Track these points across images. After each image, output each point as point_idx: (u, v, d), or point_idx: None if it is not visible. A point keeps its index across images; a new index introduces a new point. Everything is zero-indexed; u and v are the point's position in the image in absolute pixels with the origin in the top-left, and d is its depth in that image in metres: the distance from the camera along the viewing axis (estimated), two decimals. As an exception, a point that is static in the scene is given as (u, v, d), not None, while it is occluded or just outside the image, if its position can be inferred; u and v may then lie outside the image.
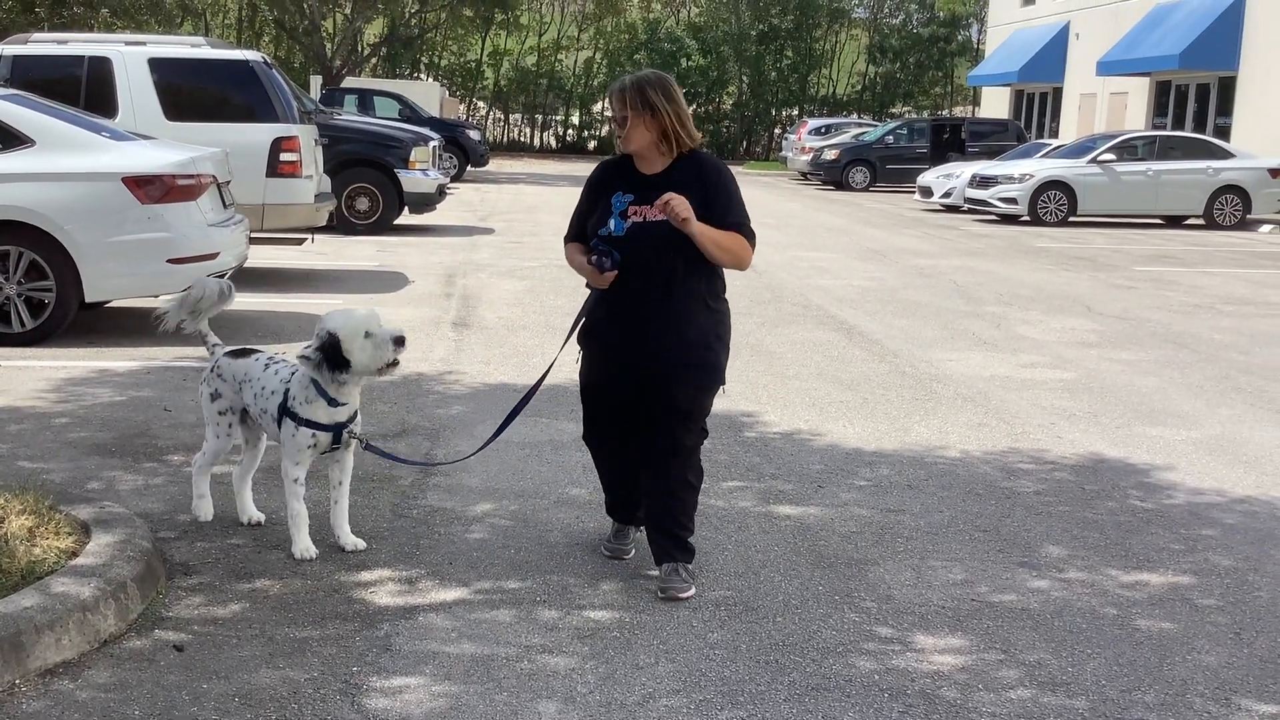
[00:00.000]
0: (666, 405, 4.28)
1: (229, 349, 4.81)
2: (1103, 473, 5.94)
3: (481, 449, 5.13)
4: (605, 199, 4.30)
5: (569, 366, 4.77)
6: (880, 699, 3.54)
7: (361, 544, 4.59)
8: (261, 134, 11.26)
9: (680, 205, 4.07)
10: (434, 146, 16.73)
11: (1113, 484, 5.75)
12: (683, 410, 4.29)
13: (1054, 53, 34.82)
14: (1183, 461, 6.17)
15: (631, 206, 4.25)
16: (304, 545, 4.46)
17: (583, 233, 4.41)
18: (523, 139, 54.13)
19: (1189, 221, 22.36)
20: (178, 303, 4.78)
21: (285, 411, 4.42)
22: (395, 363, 4.32)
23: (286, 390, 4.44)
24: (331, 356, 4.29)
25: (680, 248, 4.19)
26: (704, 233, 4.14)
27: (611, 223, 4.26)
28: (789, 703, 3.50)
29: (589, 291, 4.43)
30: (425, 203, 16.44)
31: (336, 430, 4.42)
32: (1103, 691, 3.63)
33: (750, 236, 4.33)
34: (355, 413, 4.49)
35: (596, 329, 4.38)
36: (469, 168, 29.55)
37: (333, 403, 4.39)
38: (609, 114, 4.40)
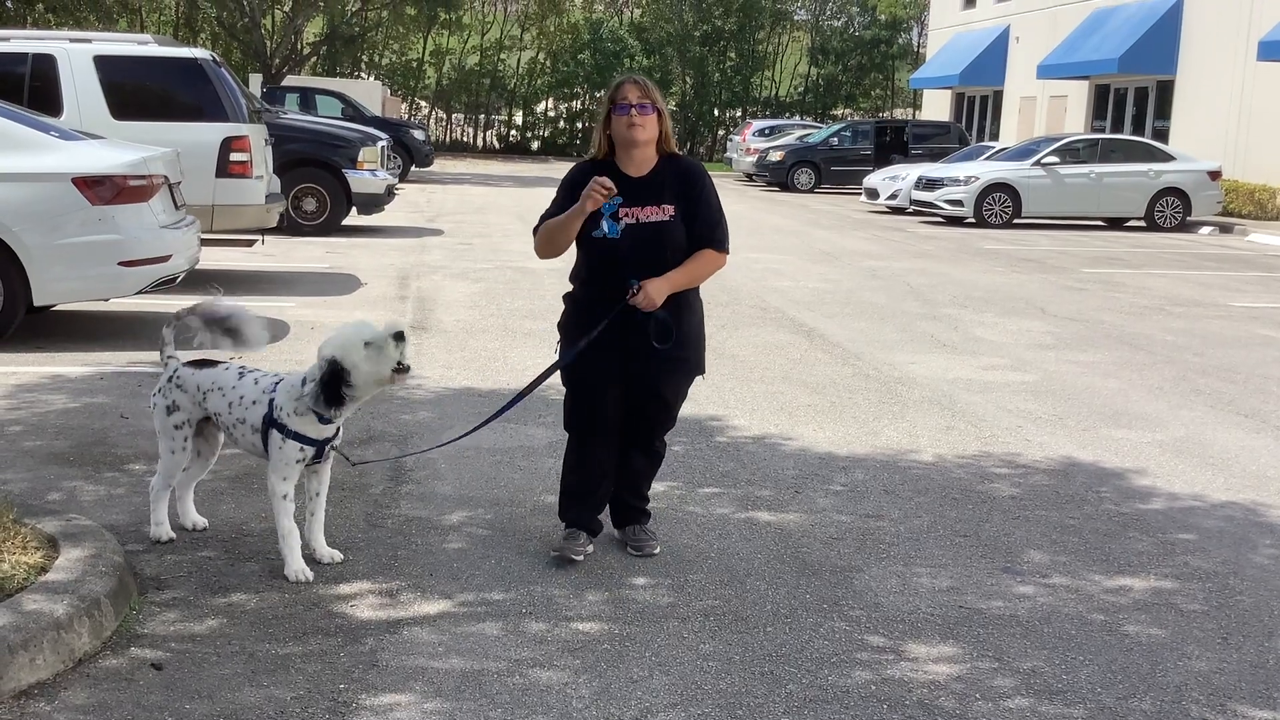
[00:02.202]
0: (654, 394, 4.53)
1: (186, 360, 4.59)
2: (1075, 476, 5.96)
3: (476, 429, 5.03)
4: None
5: (539, 372, 4.68)
6: (880, 710, 3.50)
7: (339, 556, 4.47)
8: (211, 133, 11.05)
9: (649, 302, 4.29)
10: (382, 146, 16.54)
11: (1087, 488, 5.77)
12: (668, 400, 4.59)
13: (994, 56, 35.20)
14: (1152, 464, 6.21)
15: (622, 208, 4.34)
16: (298, 567, 4.27)
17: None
18: (465, 139, 53.82)
19: (1130, 223, 22.67)
20: (202, 321, 4.49)
21: (271, 423, 4.26)
22: (406, 368, 4.12)
23: (271, 400, 4.28)
24: (333, 387, 4.11)
25: (673, 242, 4.37)
26: (678, 283, 4.36)
27: (605, 225, 4.35)
28: (788, 715, 3.45)
29: (569, 303, 4.57)
30: (374, 203, 16.25)
31: (322, 445, 4.29)
32: (1099, 699, 3.62)
33: (721, 241, 4.47)
34: (339, 427, 4.37)
35: (593, 317, 4.41)
36: (414, 168, 29.29)
37: (324, 420, 4.24)
38: (620, 103, 4.34)
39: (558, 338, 4.63)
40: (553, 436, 6.31)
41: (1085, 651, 3.95)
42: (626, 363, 4.43)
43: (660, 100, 4.35)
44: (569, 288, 4.64)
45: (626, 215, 4.33)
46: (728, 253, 4.49)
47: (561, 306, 4.67)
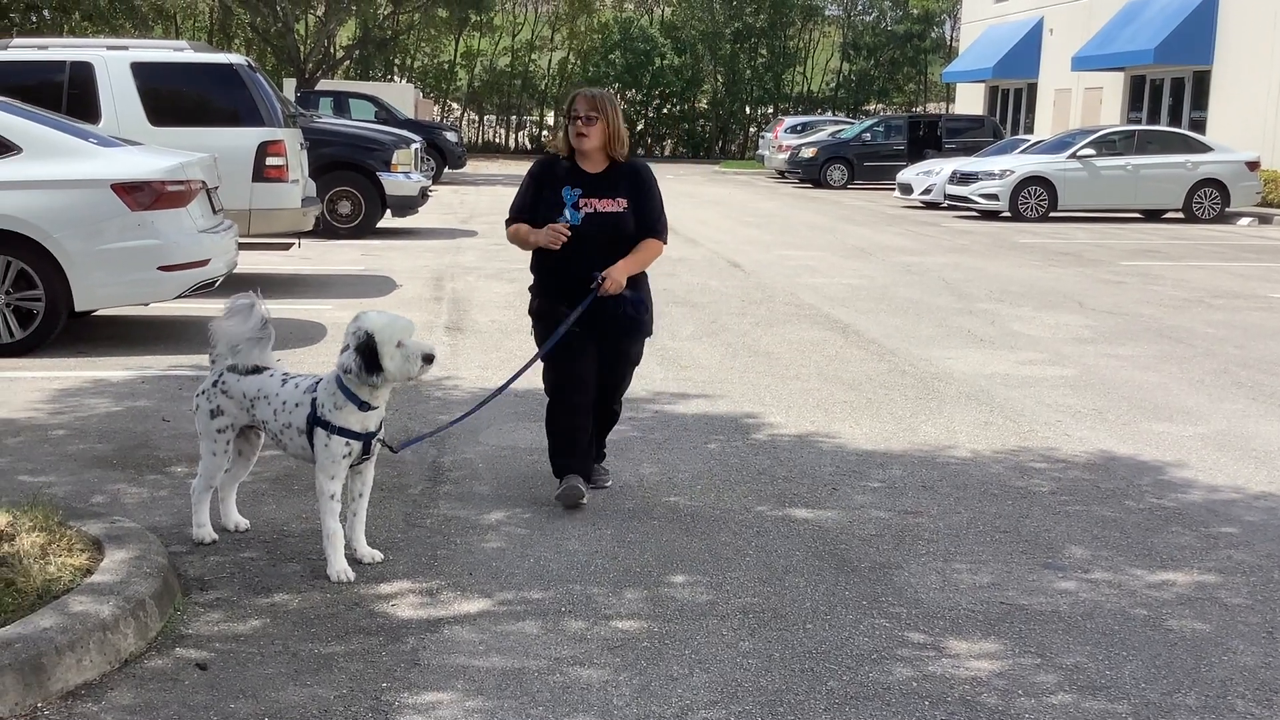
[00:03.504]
0: (621, 354, 5.25)
1: (230, 364, 4.60)
2: (1116, 470, 5.91)
3: (483, 404, 5.19)
4: (552, 191, 5.09)
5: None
6: (921, 706, 3.49)
7: (379, 556, 4.51)
8: (247, 138, 11.12)
9: (616, 286, 5.02)
10: (416, 149, 16.62)
11: (1127, 482, 5.73)
12: (632, 357, 5.34)
13: (1028, 48, 34.94)
14: (1193, 458, 6.15)
15: (582, 199, 5.06)
16: (340, 567, 4.30)
17: (524, 217, 5.16)
18: (497, 140, 54.00)
19: (1168, 215, 22.47)
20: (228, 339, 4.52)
21: (316, 421, 4.29)
22: (410, 379, 4.31)
23: (314, 400, 4.32)
24: (368, 357, 4.17)
25: (625, 231, 5.09)
26: (630, 269, 5.07)
27: (567, 213, 5.05)
28: (829, 712, 3.45)
29: (536, 292, 5.25)
30: (408, 205, 16.32)
31: (366, 440, 4.33)
32: (1144, 695, 3.59)
33: (662, 231, 5.22)
34: (382, 420, 4.41)
35: (559, 300, 5.10)
36: (446, 169, 29.40)
37: (363, 406, 4.27)
38: (572, 114, 5.06)
39: (530, 323, 5.35)
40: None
41: (1128, 647, 3.92)
42: (598, 337, 5.10)
43: (610, 111, 5.03)
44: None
45: (586, 205, 5.05)
46: (665, 242, 5.25)
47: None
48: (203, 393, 4.58)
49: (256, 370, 4.55)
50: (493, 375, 7.78)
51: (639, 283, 5.20)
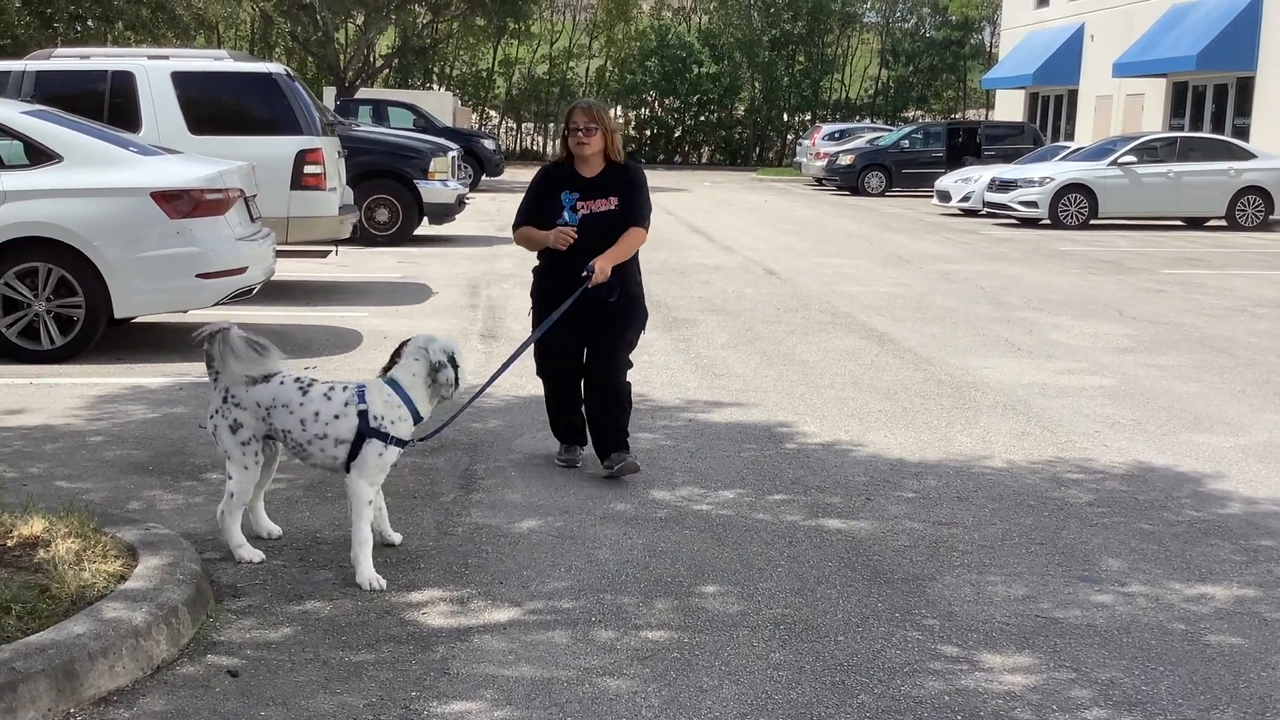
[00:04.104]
0: (617, 341, 5.71)
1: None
2: (1154, 482, 5.84)
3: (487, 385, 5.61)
4: (552, 196, 5.66)
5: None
6: (953, 721, 3.45)
7: (398, 537, 4.74)
8: (285, 147, 11.21)
9: (602, 276, 5.52)
10: (453, 157, 16.69)
11: (1165, 494, 5.65)
12: (629, 342, 5.78)
13: (1069, 55, 34.67)
14: (1233, 470, 6.07)
15: (579, 202, 5.63)
16: (370, 575, 4.32)
17: (529, 221, 5.72)
18: (535, 147, 54.12)
19: (1210, 223, 22.22)
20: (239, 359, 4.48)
21: (371, 433, 4.36)
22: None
23: (362, 412, 4.36)
24: (455, 373, 4.51)
25: (617, 229, 5.61)
26: (615, 258, 5.57)
27: (565, 215, 5.62)
28: (860, 726, 3.42)
29: (537, 276, 5.84)
30: (445, 213, 16.38)
31: (409, 444, 4.53)
32: (1180, 711, 3.54)
33: (645, 222, 5.72)
34: None
35: (554, 291, 5.65)
36: (484, 177, 29.50)
37: (418, 418, 4.47)
38: (572, 126, 5.61)
39: (529, 304, 5.92)
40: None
41: (1165, 662, 3.87)
42: (589, 324, 5.62)
43: (606, 121, 5.61)
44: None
45: (583, 207, 5.63)
46: (646, 229, 5.73)
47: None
48: (216, 412, 4.51)
49: (268, 378, 4.51)
50: (525, 383, 7.78)
51: (630, 272, 5.74)
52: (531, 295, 5.93)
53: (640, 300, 5.86)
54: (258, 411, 4.47)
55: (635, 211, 5.69)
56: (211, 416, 4.54)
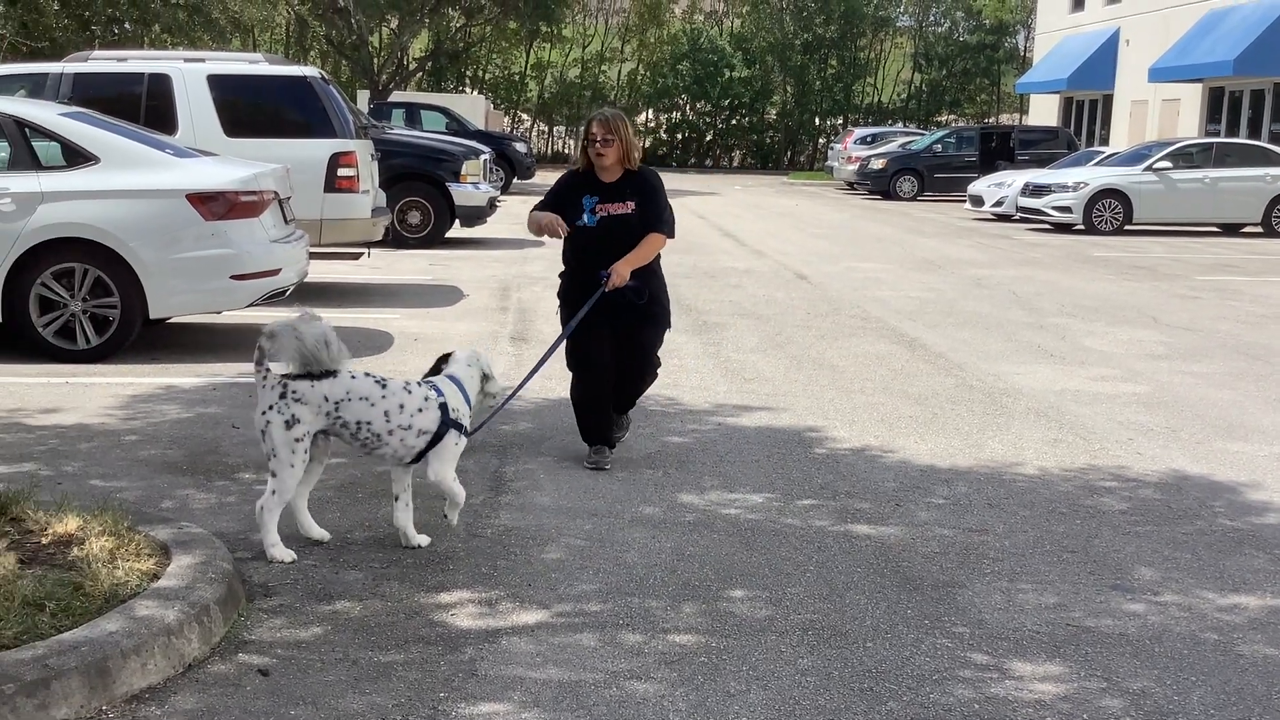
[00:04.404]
0: (637, 343, 5.99)
1: (284, 373, 4.58)
2: (1188, 490, 5.79)
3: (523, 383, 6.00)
4: (574, 199, 5.94)
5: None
6: (982, 729, 3.43)
7: (426, 540, 4.83)
8: (319, 149, 11.28)
9: (620, 280, 5.79)
10: (485, 160, 16.74)
11: (1199, 502, 5.61)
12: (651, 345, 6.06)
13: (1104, 59, 34.42)
14: (1269, 479, 6.01)
15: (598, 205, 5.89)
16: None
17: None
18: (566, 151, 54.19)
19: (1246, 229, 22.02)
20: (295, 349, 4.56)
21: (452, 425, 4.72)
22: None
23: (443, 405, 4.69)
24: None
25: (633, 232, 5.88)
26: (635, 262, 5.83)
27: (585, 217, 5.91)
28: (888, 733, 3.41)
29: (564, 279, 6.08)
30: (476, 216, 16.44)
31: None
32: (1212, 722, 3.51)
33: (667, 226, 6.01)
34: None
35: (578, 294, 5.91)
36: (515, 180, 29.58)
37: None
38: (591, 137, 5.88)
39: (557, 304, 6.15)
40: (650, 448, 6.33)
41: (1198, 672, 3.83)
42: (614, 324, 5.88)
43: (624, 130, 5.87)
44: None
45: (601, 210, 5.90)
46: (670, 235, 6.03)
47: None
48: (271, 408, 4.52)
49: (328, 374, 4.57)
50: (555, 386, 7.79)
51: (652, 274, 6.00)
52: (558, 297, 6.15)
53: (666, 305, 6.13)
54: (324, 406, 4.54)
55: (654, 218, 5.96)
56: (264, 413, 4.54)
